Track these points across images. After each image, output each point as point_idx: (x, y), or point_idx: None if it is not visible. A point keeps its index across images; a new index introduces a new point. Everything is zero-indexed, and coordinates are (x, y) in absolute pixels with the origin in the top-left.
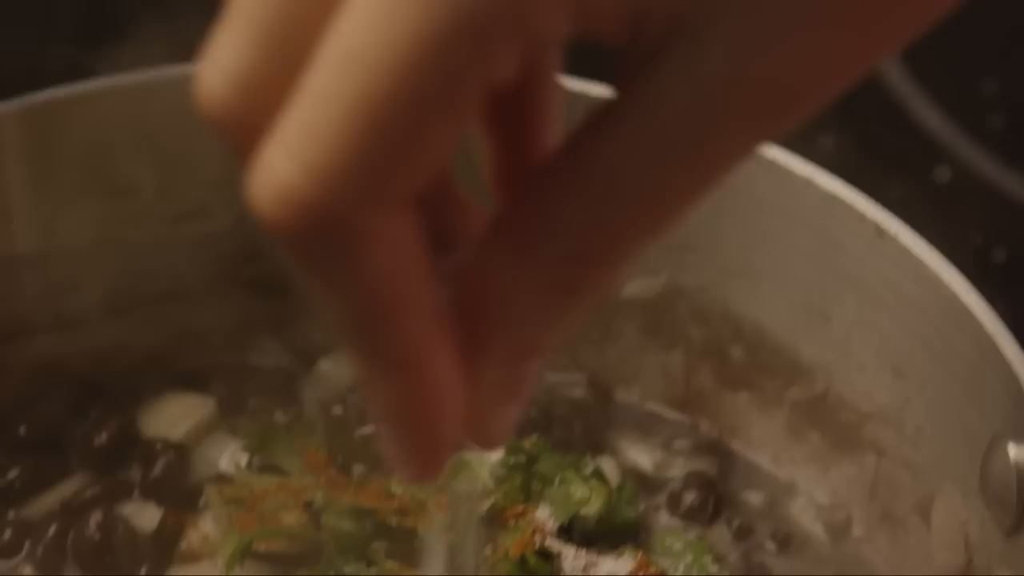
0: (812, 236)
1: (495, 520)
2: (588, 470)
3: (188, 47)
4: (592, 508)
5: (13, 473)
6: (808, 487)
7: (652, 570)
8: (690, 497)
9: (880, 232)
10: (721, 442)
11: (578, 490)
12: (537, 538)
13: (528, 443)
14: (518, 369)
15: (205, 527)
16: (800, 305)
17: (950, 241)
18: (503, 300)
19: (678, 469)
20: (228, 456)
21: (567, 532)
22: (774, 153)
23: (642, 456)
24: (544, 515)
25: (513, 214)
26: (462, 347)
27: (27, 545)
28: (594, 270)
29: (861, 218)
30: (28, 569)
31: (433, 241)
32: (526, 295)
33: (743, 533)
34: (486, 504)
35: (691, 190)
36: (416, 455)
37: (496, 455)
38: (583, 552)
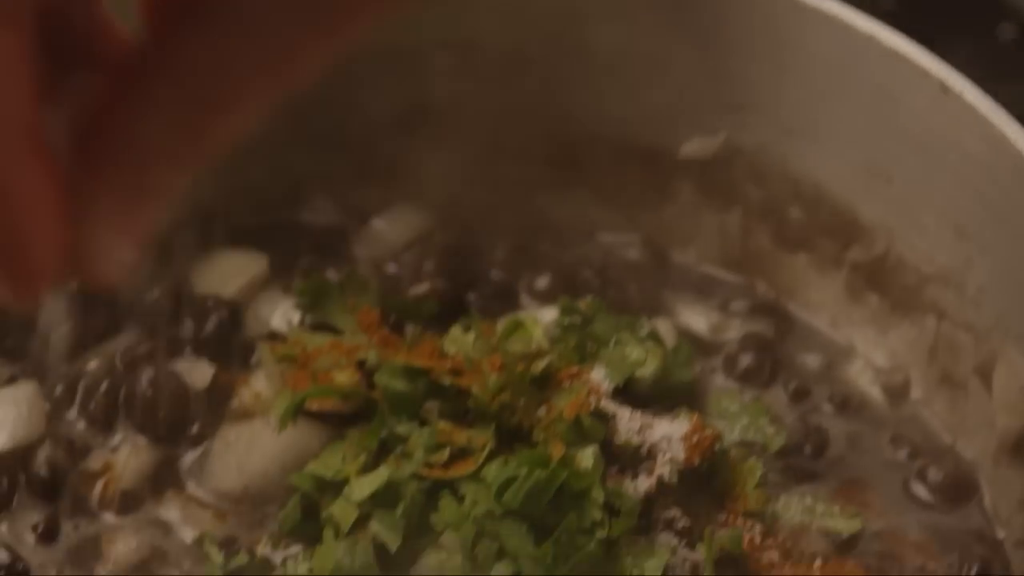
0: (873, 94)
1: (549, 381)
2: (643, 332)
3: None
4: (647, 370)
5: (65, 328)
6: (866, 349)
7: (707, 432)
8: (746, 359)
9: (944, 89)
10: (778, 304)
11: (633, 351)
12: (592, 399)
13: (583, 304)
14: (133, 209)
15: (257, 385)
16: (861, 165)
17: (1015, 99)
18: (126, 135)
19: (734, 331)
20: (280, 314)
21: (622, 394)
22: (835, 9)
23: (698, 318)
24: (599, 376)
25: (147, 50)
26: (75, 177)
27: (79, 400)
28: (217, 116)
29: (924, 75)
30: (81, 424)
31: (64, 57)
32: (150, 133)
33: (800, 396)
34: (540, 365)
35: (305, 46)
36: (7, 278)
37: (550, 315)
38: (638, 414)
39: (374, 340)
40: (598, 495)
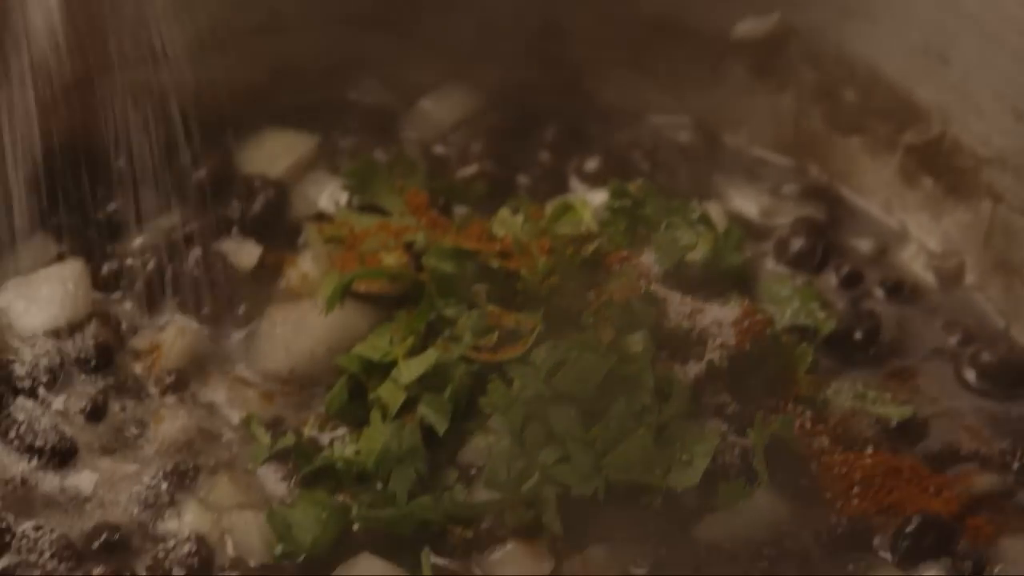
0: None
1: (599, 265)
2: (694, 215)
3: None
4: (698, 254)
5: (112, 207)
6: (920, 234)
7: (758, 317)
8: (798, 244)
9: None
10: (831, 188)
11: (684, 235)
12: (642, 283)
13: (633, 187)
14: None
15: (304, 266)
16: (918, 46)
17: None
18: None
19: (786, 215)
20: (327, 194)
21: (672, 278)
22: None
23: (749, 202)
24: (649, 260)
25: None
26: None
27: (126, 279)
28: None
29: None
30: (128, 303)
31: None
32: None
33: (851, 281)
34: (590, 248)
35: None
36: None
37: (600, 198)
38: (688, 298)
39: (422, 222)
40: (648, 380)
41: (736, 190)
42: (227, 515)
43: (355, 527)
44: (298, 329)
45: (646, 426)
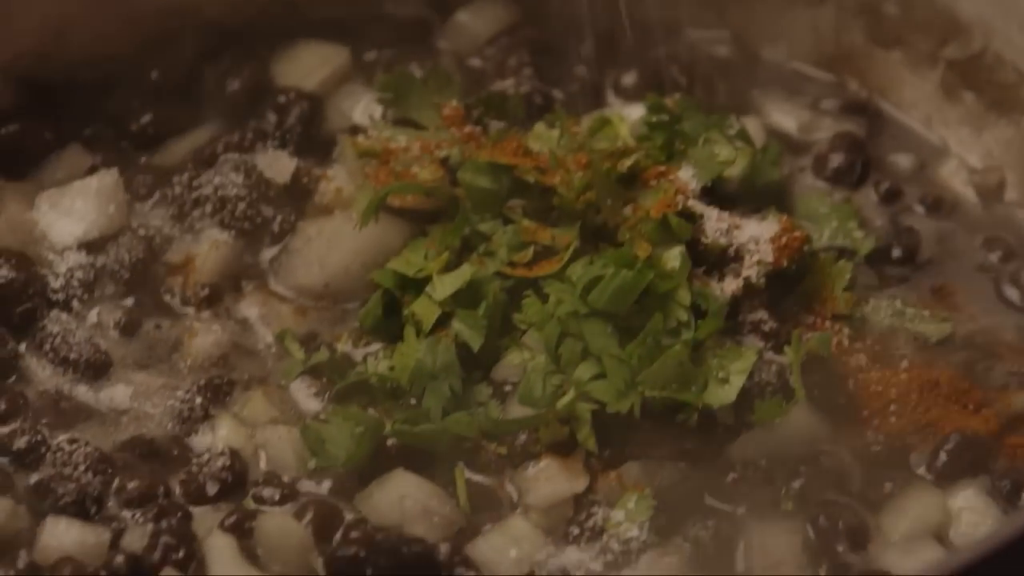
0: None
1: (635, 180)
2: (733, 130)
3: None
4: (736, 169)
5: (146, 119)
6: (960, 150)
7: (796, 234)
8: (837, 159)
9: None
10: (870, 103)
11: (722, 151)
12: (679, 199)
13: (671, 102)
14: None
15: (338, 180)
16: None
17: None
18: None
19: (825, 130)
20: (362, 108)
21: (709, 194)
22: None
23: (787, 117)
24: (687, 175)
25: None
26: None
27: (159, 192)
28: None
29: None
30: (160, 213)
31: None
32: None
33: (891, 196)
34: (626, 163)
35: None
36: None
37: (637, 112)
38: (726, 214)
39: (457, 136)
40: (684, 297)
41: (774, 105)
42: (261, 430)
43: (389, 443)
44: (332, 244)
45: (682, 343)
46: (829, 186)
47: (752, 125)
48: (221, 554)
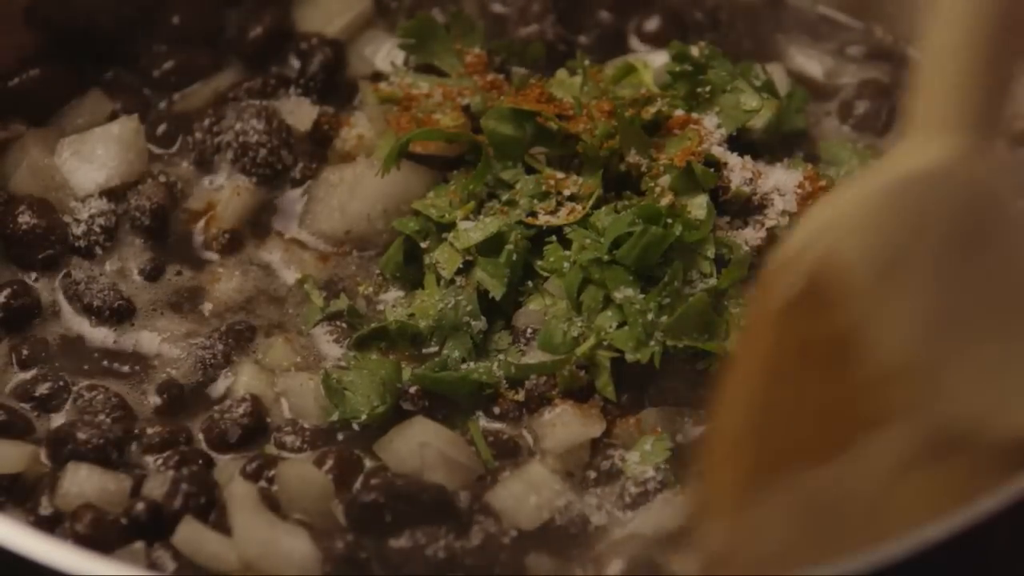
0: None
1: (660, 128)
2: (759, 80)
3: None
4: (761, 120)
5: (167, 64)
6: None
7: (821, 183)
8: (862, 106)
9: None
10: (896, 49)
11: (749, 100)
12: (704, 147)
13: (696, 50)
14: None
15: (360, 127)
16: None
17: None
18: None
19: (850, 76)
20: (384, 54)
21: (733, 141)
22: None
23: (813, 62)
24: (711, 124)
25: None
26: None
27: (181, 138)
28: None
29: None
30: (182, 163)
31: None
32: None
33: None
34: (651, 110)
35: None
36: None
37: (661, 59)
38: (750, 162)
39: (480, 83)
40: (709, 248)
41: (799, 50)
42: (282, 376)
43: (411, 390)
44: (353, 190)
45: (704, 292)
46: (854, 132)
47: (777, 72)
48: (242, 502)
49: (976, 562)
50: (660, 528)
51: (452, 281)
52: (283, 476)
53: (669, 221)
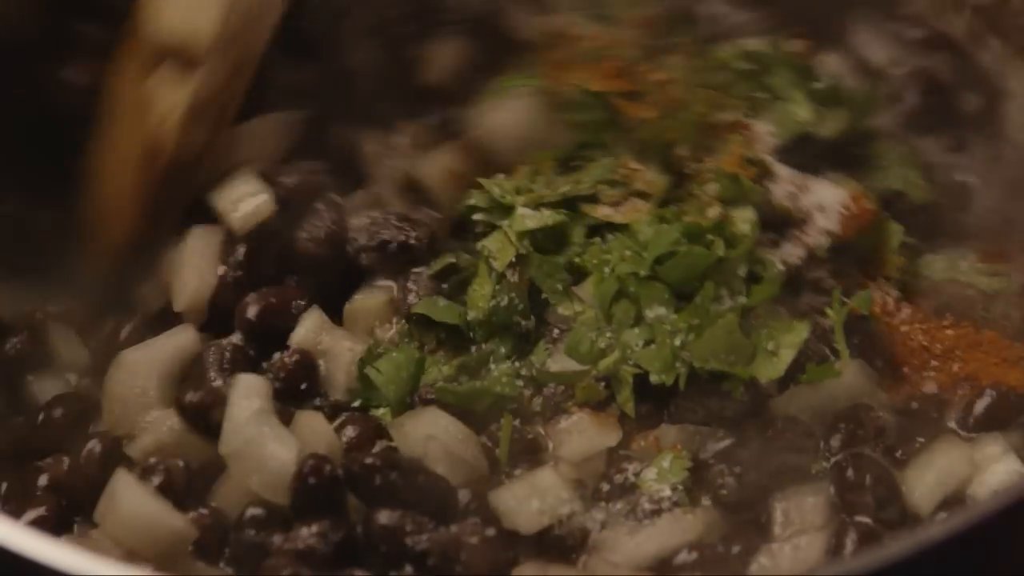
0: None
1: (713, 130)
2: (819, 87)
3: None
4: (825, 131)
5: None
6: None
7: (867, 207)
8: (912, 99)
9: None
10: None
11: (802, 112)
12: (752, 155)
13: (759, 47)
14: None
15: None
16: None
17: None
18: None
19: (904, 67)
20: None
21: (785, 151)
22: None
23: (872, 49)
24: (764, 129)
25: None
26: None
27: None
28: None
29: None
30: None
31: None
32: None
33: (958, 145)
34: (718, 115)
35: None
36: None
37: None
38: (798, 176)
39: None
40: (742, 266)
41: (859, 35)
42: (329, 334)
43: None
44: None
45: (732, 311)
46: (900, 127)
47: (840, 65)
48: (247, 390)
49: (976, 562)
50: (663, 549)
51: (503, 275)
52: (298, 421)
53: (711, 239)
